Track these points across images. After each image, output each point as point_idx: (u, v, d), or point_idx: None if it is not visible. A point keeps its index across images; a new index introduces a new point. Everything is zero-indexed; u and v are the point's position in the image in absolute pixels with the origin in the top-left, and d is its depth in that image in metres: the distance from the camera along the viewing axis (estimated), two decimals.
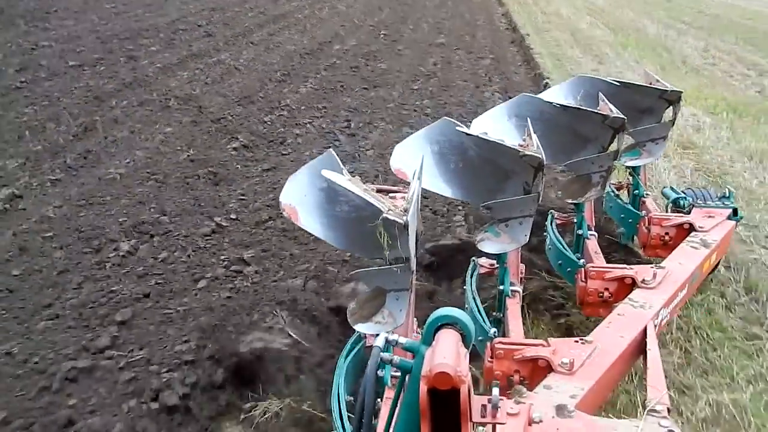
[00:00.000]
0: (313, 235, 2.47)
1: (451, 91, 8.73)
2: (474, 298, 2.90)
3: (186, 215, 4.70)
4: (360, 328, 2.19)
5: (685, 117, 7.71)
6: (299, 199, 2.29)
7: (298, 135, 6.64)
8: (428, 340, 1.69)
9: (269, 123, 6.94)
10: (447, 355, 1.56)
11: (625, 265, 3.16)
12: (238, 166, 5.71)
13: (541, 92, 10.07)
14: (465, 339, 1.69)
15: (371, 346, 1.78)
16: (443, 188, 2.83)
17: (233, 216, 4.72)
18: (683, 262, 3.21)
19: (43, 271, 3.89)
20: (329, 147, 6.23)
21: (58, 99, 7.16)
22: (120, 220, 4.54)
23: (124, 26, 11.54)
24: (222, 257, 4.13)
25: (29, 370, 3.06)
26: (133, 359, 3.14)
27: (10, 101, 7.00)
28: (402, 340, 1.76)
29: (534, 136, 2.66)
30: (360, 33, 12.79)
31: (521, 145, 2.66)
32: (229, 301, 3.62)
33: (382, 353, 1.73)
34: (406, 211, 2.09)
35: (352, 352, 2.38)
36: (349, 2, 17.25)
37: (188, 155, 5.81)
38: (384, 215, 2.04)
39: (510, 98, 8.89)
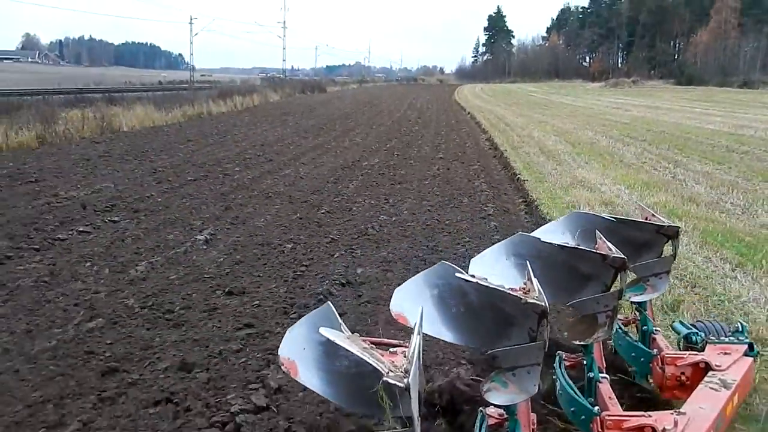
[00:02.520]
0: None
1: (452, 183, 12.68)
2: None
3: (311, 236, 8.36)
4: None
5: (610, 188, 11.59)
6: (298, 353, 2.27)
7: (359, 206, 10.43)
8: None
9: (337, 201, 10.76)
10: None
11: (642, 413, 2.98)
12: (328, 220, 9.42)
13: (514, 185, 14.19)
14: None
15: None
16: (444, 333, 2.75)
17: (338, 235, 8.37)
18: (705, 407, 2.99)
19: (251, 256, 7.46)
20: (379, 215, 10.02)
21: (197, 195, 11.00)
22: (277, 239, 8.17)
23: (206, 158, 15.68)
24: (341, 249, 7.74)
25: (267, 281, 6.60)
26: (316, 276, 6.67)
27: (168, 197, 10.81)
28: None
29: (535, 281, 2.59)
30: (379, 155, 17.03)
31: (522, 290, 2.60)
32: (353, 260, 7.21)
33: None
34: (407, 372, 2.03)
35: None
36: (363, 137, 21.84)
37: (297, 216, 9.54)
38: (384, 378, 1.98)
39: (492, 186, 12.88)
